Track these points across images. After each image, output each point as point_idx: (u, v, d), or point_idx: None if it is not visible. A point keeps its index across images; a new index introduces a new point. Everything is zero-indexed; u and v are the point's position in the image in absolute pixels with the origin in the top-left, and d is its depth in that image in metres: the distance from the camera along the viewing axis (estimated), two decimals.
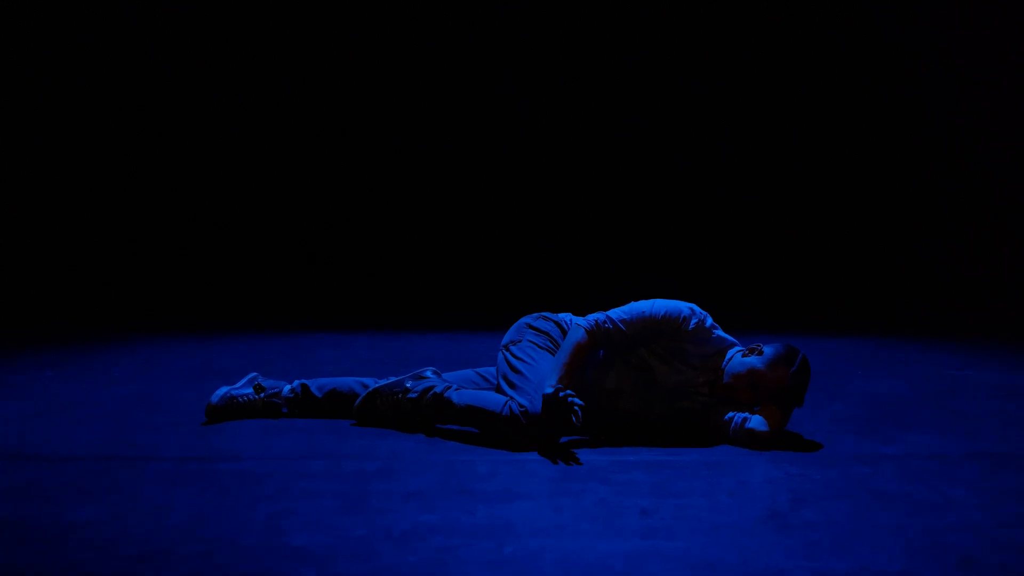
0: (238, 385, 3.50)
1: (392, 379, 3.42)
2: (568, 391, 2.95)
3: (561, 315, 3.47)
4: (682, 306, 3.21)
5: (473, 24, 7.63)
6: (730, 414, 3.18)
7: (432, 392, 3.27)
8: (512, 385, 3.18)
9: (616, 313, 3.22)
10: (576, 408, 2.94)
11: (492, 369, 3.46)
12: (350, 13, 7.57)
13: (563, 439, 3.11)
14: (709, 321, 3.24)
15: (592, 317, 3.21)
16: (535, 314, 3.47)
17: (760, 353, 3.15)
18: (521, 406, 3.08)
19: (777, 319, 6.16)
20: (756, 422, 3.13)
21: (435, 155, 7.71)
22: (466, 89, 7.69)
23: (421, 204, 7.71)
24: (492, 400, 3.17)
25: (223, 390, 3.47)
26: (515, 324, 3.44)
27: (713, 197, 7.80)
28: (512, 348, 3.30)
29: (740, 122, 7.77)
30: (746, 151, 7.79)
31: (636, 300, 3.27)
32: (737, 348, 3.25)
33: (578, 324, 3.20)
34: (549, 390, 2.97)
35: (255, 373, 3.59)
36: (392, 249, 7.65)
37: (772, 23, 7.65)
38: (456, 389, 3.27)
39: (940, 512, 2.55)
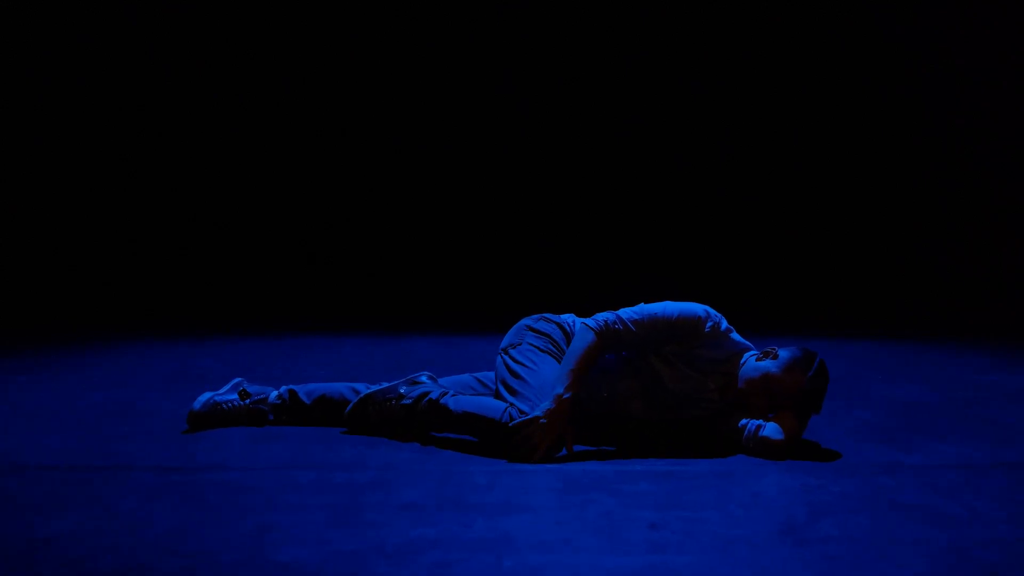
0: (223, 391, 3.42)
1: (385, 384, 3.32)
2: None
3: (563, 316, 3.38)
4: (697, 308, 3.12)
5: (473, 24, 7.69)
6: (743, 421, 3.09)
7: (427, 398, 3.17)
8: (512, 391, 3.10)
9: (627, 313, 3.12)
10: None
11: (491, 374, 3.38)
12: (350, 13, 7.61)
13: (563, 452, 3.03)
14: (724, 324, 3.15)
15: (601, 317, 3.11)
16: (536, 315, 3.38)
17: (775, 357, 3.06)
18: (522, 412, 3.01)
19: (777, 320, 6.18)
20: (771, 430, 3.03)
21: (435, 155, 7.84)
22: (466, 89, 7.76)
23: (420, 204, 7.84)
24: (491, 406, 3.08)
25: (206, 396, 3.38)
26: (515, 326, 3.36)
27: (713, 197, 7.84)
28: (512, 351, 3.22)
29: (740, 122, 7.89)
30: (746, 151, 7.89)
31: (636, 301, 3.19)
32: (751, 352, 3.16)
33: (587, 325, 3.10)
34: (549, 405, 2.93)
35: (240, 378, 3.52)
36: (391, 250, 7.73)
37: (772, 23, 7.70)
38: (453, 395, 3.18)
39: (965, 525, 2.48)
